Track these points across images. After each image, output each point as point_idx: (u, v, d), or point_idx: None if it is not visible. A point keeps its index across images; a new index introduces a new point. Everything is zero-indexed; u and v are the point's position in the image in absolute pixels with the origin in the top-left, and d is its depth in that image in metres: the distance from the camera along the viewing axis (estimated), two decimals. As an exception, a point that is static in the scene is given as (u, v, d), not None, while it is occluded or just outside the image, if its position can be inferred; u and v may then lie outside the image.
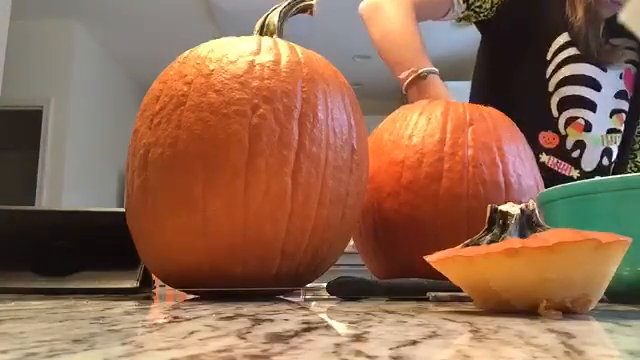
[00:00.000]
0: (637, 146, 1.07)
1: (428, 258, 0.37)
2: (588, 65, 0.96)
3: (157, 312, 0.37)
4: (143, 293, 0.64)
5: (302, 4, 0.63)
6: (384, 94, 4.72)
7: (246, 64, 0.51)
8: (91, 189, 4.20)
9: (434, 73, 0.88)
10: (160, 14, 3.87)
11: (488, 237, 0.39)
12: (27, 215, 0.71)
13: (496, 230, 0.39)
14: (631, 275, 0.44)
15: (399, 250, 0.68)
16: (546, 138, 0.95)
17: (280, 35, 0.60)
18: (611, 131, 0.98)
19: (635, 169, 1.06)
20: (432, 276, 0.49)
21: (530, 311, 0.34)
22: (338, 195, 0.52)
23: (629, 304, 0.46)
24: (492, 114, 0.74)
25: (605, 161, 0.98)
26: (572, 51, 0.97)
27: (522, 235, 0.38)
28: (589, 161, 0.97)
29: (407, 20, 0.93)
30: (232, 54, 0.52)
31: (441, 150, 0.67)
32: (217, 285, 0.50)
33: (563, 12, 0.98)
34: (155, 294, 0.65)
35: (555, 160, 0.95)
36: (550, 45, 0.99)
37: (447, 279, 0.38)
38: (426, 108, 0.73)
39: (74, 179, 3.93)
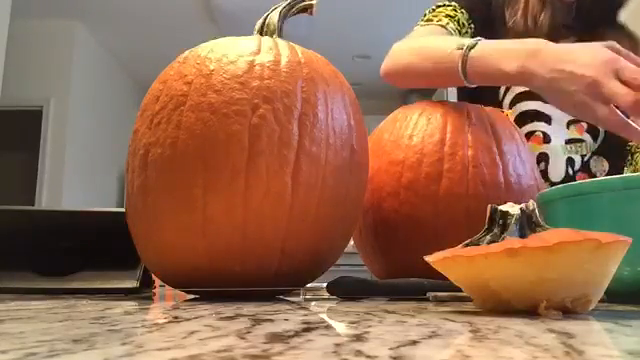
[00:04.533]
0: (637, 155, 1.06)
1: (428, 258, 0.37)
2: None
3: (157, 312, 0.37)
4: (143, 293, 0.64)
5: (302, 4, 0.63)
6: (384, 94, 4.72)
7: (246, 64, 0.51)
8: (91, 189, 4.19)
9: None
10: (160, 14, 3.87)
11: (488, 237, 0.39)
12: (27, 215, 0.71)
13: (496, 230, 0.39)
14: (631, 275, 0.44)
15: (399, 250, 0.68)
16: None
17: (280, 35, 0.60)
18: (571, 141, 0.98)
19: None
20: (432, 276, 0.49)
21: (530, 311, 0.34)
22: (338, 195, 0.52)
23: (629, 304, 0.46)
24: (492, 114, 0.74)
25: (570, 171, 0.98)
26: None
27: (522, 235, 0.38)
28: (556, 172, 0.97)
29: (419, 39, 0.89)
30: (232, 54, 0.52)
31: (441, 150, 0.67)
32: (217, 285, 0.50)
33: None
34: (155, 294, 0.65)
35: None
36: None
37: (447, 279, 0.38)
38: (426, 108, 0.73)
39: (74, 179, 3.93)
